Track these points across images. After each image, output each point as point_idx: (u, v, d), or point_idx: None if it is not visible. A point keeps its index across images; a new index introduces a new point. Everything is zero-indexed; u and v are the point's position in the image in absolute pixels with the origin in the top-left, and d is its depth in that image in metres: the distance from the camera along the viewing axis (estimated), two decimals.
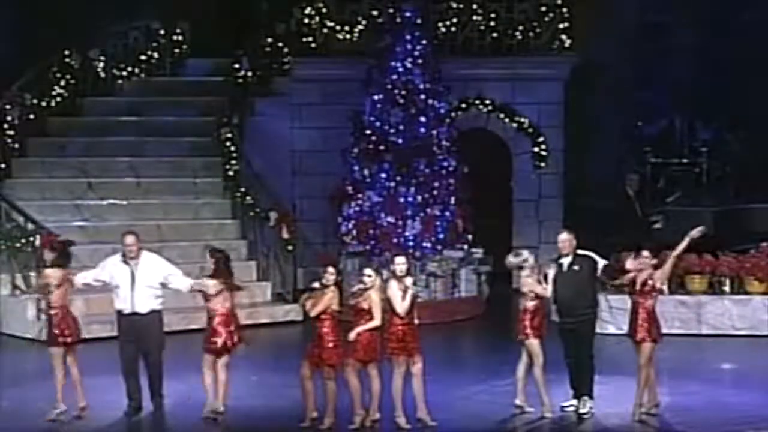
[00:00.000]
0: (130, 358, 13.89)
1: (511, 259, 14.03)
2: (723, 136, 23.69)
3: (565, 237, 13.96)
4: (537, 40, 23.94)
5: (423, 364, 13.54)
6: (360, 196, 21.23)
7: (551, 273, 13.98)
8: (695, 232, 13.67)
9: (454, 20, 23.81)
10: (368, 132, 21.30)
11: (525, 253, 14.01)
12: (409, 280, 13.49)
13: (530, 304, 13.90)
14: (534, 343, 13.87)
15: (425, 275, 20.65)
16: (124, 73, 24.27)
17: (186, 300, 16.12)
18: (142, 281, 13.68)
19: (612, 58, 23.31)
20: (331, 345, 13.29)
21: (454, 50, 23.46)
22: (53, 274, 13.66)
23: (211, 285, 13.59)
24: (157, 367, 13.91)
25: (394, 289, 13.38)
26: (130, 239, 13.82)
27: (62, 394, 13.64)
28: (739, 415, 13.73)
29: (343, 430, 13.28)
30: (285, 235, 20.84)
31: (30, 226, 19.34)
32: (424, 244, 20.82)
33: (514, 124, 23.91)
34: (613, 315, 17.34)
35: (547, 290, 13.94)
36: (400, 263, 13.47)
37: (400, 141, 21.22)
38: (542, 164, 23.92)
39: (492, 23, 23.89)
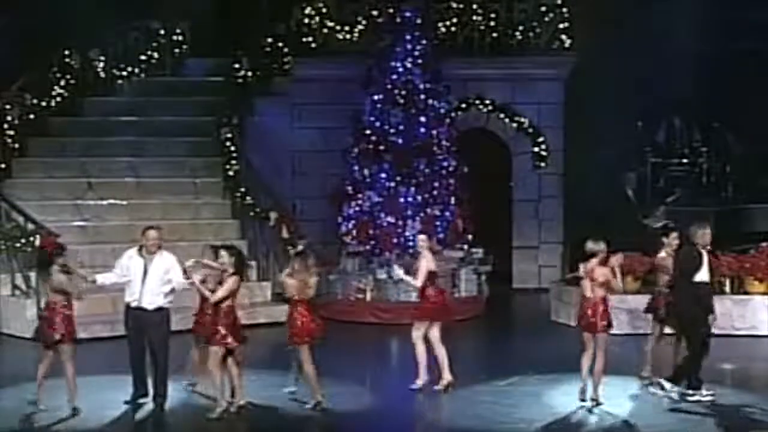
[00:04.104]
0: (135, 352, 13.92)
1: (591, 245, 14.01)
2: (723, 136, 23.68)
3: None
4: (537, 40, 23.97)
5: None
6: (360, 196, 21.25)
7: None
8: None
9: (454, 20, 23.83)
10: (368, 132, 21.31)
11: (603, 244, 14.00)
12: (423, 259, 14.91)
13: (601, 294, 13.87)
14: (605, 336, 13.89)
15: None
16: (124, 73, 24.28)
17: (184, 300, 16.04)
18: (153, 277, 13.71)
19: (612, 58, 23.30)
20: (299, 323, 13.73)
21: (454, 50, 23.46)
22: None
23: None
24: (162, 367, 13.89)
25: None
26: (153, 233, 13.89)
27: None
28: (739, 415, 13.72)
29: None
30: (285, 235, 20.84)
31: (30, 226, 19.33)
32: None
33: (514, 124, 23.93)
34: (614, 315, 17.30)
35: (619, 284, 14.09)
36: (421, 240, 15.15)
37: (400, 141, 21.24)
38: (542, 164, 23.94)
39: (492, 23, 23.91)
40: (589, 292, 13.91)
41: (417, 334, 14.93)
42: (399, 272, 15.38)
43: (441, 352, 14.86)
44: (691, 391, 14.12)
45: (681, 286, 14.15)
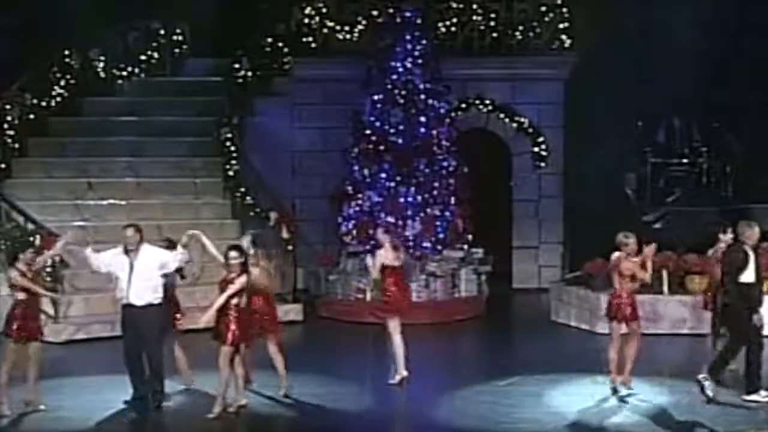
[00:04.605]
0: (130, 350, 13.92)
1: (620, 237, 14.10)
2: (723, 136, 23.66)
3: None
4: (537, 40, 23.97)
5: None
6: (360, 196, 21.24)
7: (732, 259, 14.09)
8: None
9: (454, 20, 23.83)
10: (368, 132, 21.31)
11: (632, 238, 14.07)
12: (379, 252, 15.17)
13: (629, 286, 14.06)
14: (637, 323, 14.12)
15: (425, 275, 20.65)
16: (124, 73, 24.29)
17: (185, 300, 16.06)
18: (140, 273, 13.75)
19: (612, 58, 23.30)
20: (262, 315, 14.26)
21: (454, 50, 23.46)
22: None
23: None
24: (156, 363, 13.89)
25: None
26: (129, 231, 13.98)
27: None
28: (739, 415, 13.72)
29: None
30: (285, 235, 20.85)
31: (30, 226, 19.34)
32: (424, 244, 20.82)
33: (514, 124, 23.93)
34: None
35: (648, 276, 14.13)
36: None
37: (400, 141, 21.23)
38: (542, 164, 23.95)
39: (492, 23, 23.92)
40: (617, 284, 14.12)
41: (390, 331, 15.04)
42: (369, 261, 15.42)
43: (397, 347, 14.95)
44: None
45: (727, 286, 14.12)
